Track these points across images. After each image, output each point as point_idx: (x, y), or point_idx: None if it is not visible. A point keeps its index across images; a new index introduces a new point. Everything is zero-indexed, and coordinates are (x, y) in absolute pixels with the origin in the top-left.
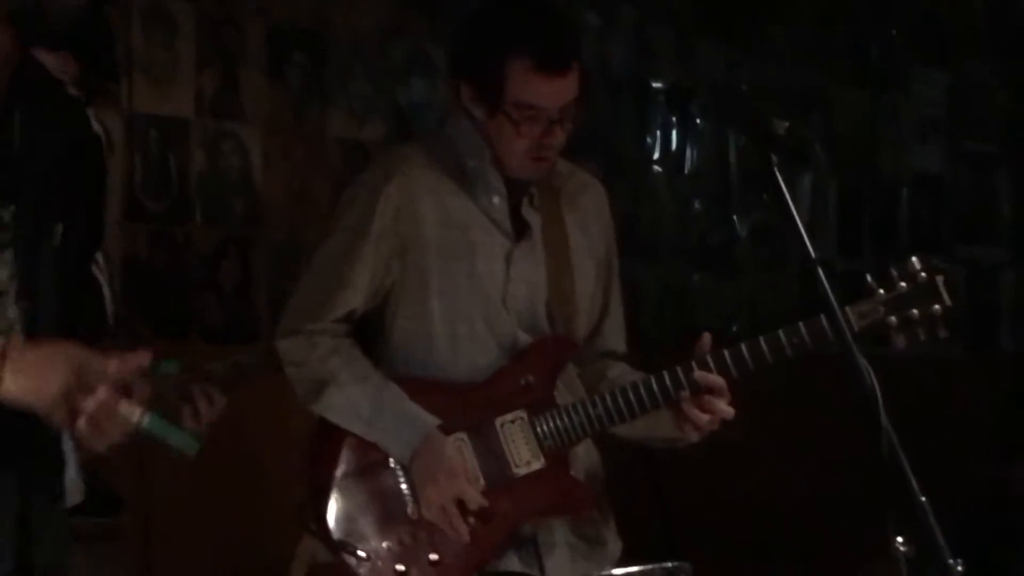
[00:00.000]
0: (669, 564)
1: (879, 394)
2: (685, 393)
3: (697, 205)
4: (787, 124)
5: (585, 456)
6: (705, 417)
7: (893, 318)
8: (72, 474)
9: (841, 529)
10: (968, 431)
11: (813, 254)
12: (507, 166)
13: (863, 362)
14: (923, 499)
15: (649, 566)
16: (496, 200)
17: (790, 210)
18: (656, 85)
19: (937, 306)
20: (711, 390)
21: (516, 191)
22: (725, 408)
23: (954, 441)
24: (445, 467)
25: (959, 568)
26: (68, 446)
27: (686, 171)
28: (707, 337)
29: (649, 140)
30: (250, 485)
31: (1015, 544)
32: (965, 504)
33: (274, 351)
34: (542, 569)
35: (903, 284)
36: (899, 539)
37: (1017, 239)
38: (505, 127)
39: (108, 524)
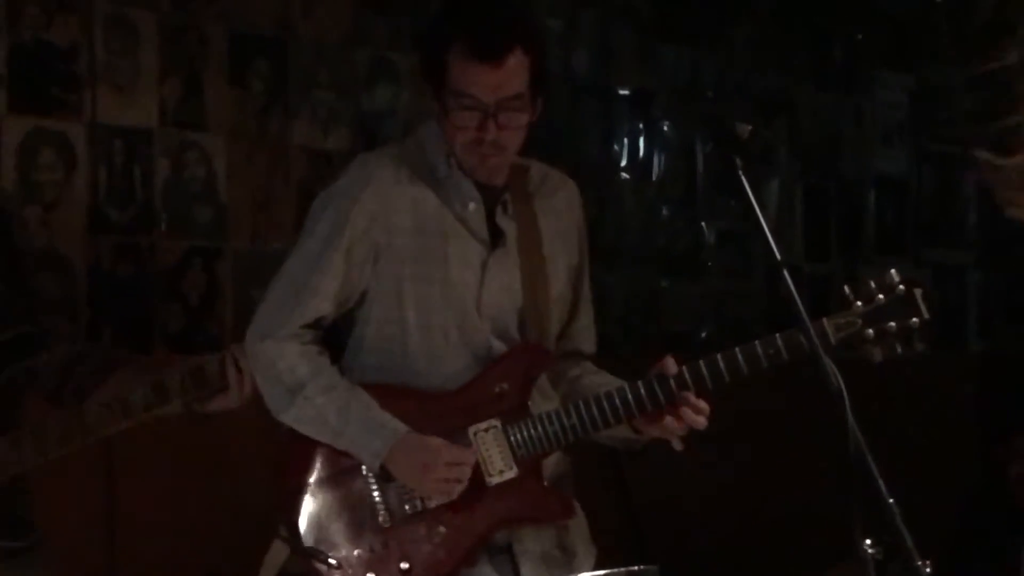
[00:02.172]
0: (636, 568)
1: (846, 396)
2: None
3: (664, 211)
4: (750, 128)
5: (556, 463)
6: (679, 427)
7: (870, 331)
8: None
9: (810, 531)
10: (937, 430)
11: (779, 257)
12: (461, 163)
13: (830, 365)
14: (891, 500)
15: (616, 570)
16: (472, 206)
17: (756, 213)
18: (622, 92)
19: (915, 319)
20: (688, 403)
21: (490, 198)
22: (699, 420)
23: (923, 441)
24: (424, 453)
25: (927, 570)
26: None
27: (653, 177)
28: (671, 361)
29: (615, 146)
30: (217, 491)
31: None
32: (935, 503)
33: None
34: (517, 574)
35: (881, 296)
36: (867, 541)
37: (982, 240)
38: (447, 120)
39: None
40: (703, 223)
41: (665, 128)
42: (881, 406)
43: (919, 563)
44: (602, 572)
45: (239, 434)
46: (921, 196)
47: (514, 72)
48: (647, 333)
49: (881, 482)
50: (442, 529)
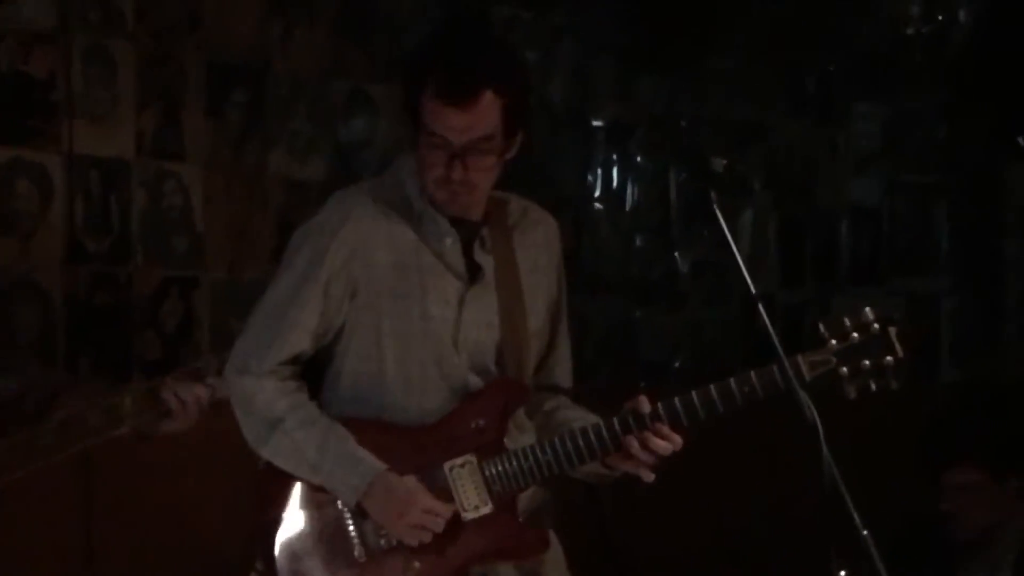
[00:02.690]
0: None
1: (820, 429)
2: (632, 438)
3: (639, 240)
4: (724, 162)
5: (532, 496)
6: (651, 458)
7: (845, 369)
8: None
9: (789, 561)
10: (910, 462)
11: (754, 291)
12: (432, 198)
13: (804, 397)
14: (865, 532)
15: None
16: (448, 242)
17: (730, 245)
18: (596, 123)
19: (889, 357)
20: (660, 434)
21: (466, 233)
22: (667, 446)
23: (896, 472)
24: (401, 495)
25: None
26: None
27: (627, 207)
28: (643, 400)
29: (590, 177)
30: (192, 524)
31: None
32: (906, 530)
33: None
34: None
35: (855, 335)
36: (842, 573)
37: (955, 270)
38: (420, 153)
39: None
40: (677, 253)
41: (639, 159)
42: (852, 436)
43: None
44: None
45: (205, 468)
46: (895, 225)
47: (484, 114)
48: (623, 362)
49: (856, 513)
50: (417, 564)
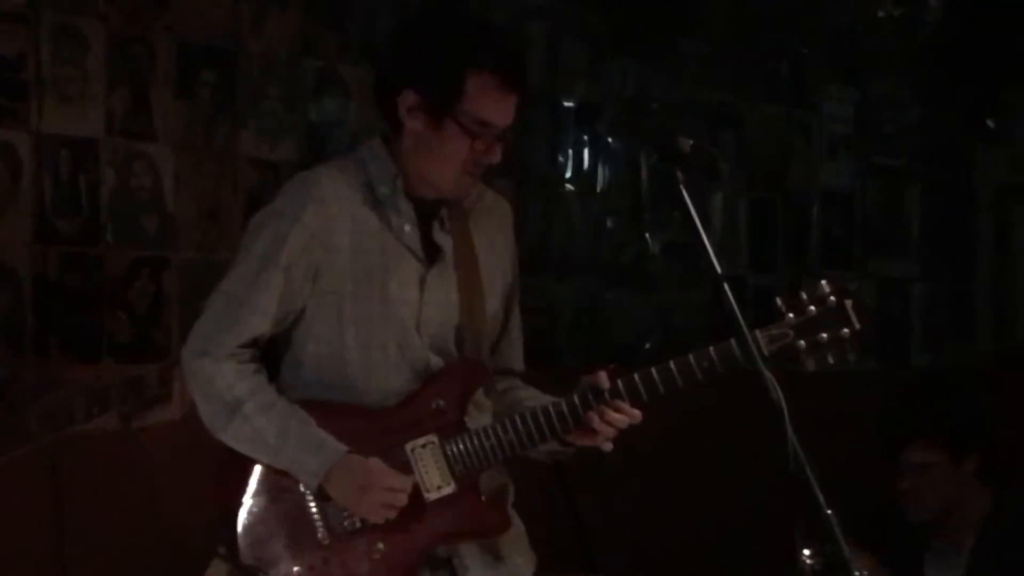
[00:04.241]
0: None
1: (785, 408)
2: (592, 413)
3: (609, 223)
4: (691, 142)
5: (493, 476)
6: (611, 431)
7: (802, 342)
8: None
9: (753, 540)
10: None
11: (719, 269)
12: (436, 182)
13: (769, 376)
14: (829, 512)
15: None
16: (407, 228)
17: (696, 226)
18: (567, 104)
19: (846, 330)
20: (620, 410)
21: (426, 215)
22: (624, 419)
23: (866, 456)
24: (362, 476)
25: None
26: None
27: (598, 189)
28: (603, 375)
29: (561, 158)
30: (159, 508)
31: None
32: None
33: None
34: None
35: (812, 308)
36: (806, 552)
37: (927, 254)
38: (453, 139)
39: None
40: (648, 235)
41: (610, 141)
42: (824, 421)
43: (856, 574)
44: None
45: (177, 451)
46: (867, 209)
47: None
48: (593, 344)
49: (820, 493)
50: (381, 546)
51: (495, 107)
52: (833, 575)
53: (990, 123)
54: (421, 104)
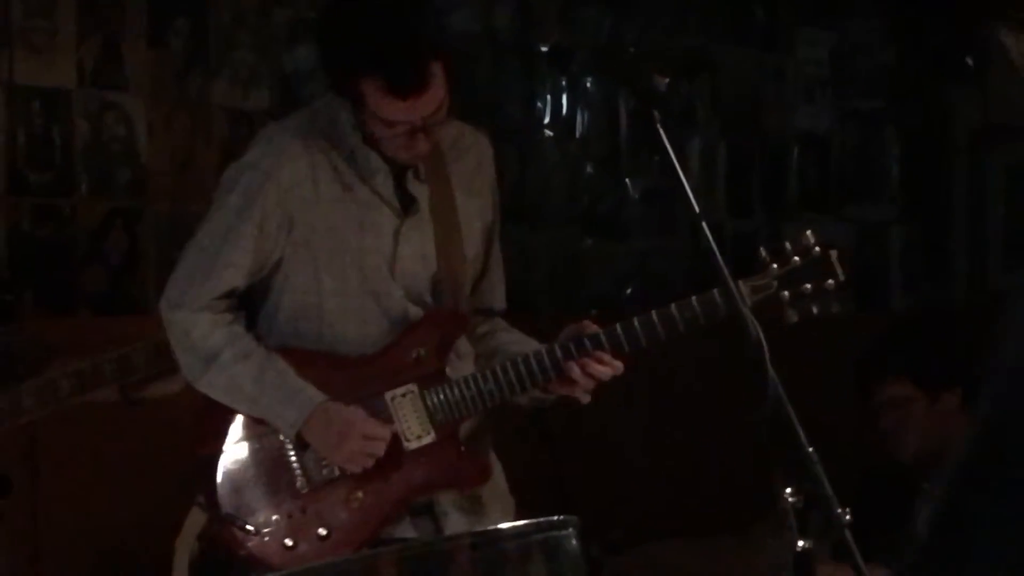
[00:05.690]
0: (555, 518)
1: (765, 346)
2: (573, 363)
3: (588, 169)
4: (667, 81)
5: (472, 425)
6: (591, 383)
7: (786, 292)
8: None
9: (736, 482)
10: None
11: (698, 210)
12: (387, 151)
13: (748, 315)
14: (810, 449)
15: (536, 520)
16: (380, 178)
17: (675, 165)
18: (543, 48)
19: (830, 280)
20: (602, 361)
21: (400, 165)
22: (606, 371)
23: (846, 402)
24: (340, 424)
25: (847, 517)
26: None
27: (576, 135)
28: (588, 325)
29: (539, 104)
30: (138, 459)
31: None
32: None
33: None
34: (439, 533)
35: (796, 258)
36: (788, 491)
37: (905, 197)
38: (378, 126)
39: None
40: (627, 180)
41: (588, 86)
42: (803, 367)
43: (839, 511)
44: (521, 523)
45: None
46: (844, 153)
47: (435, 91)
48: (571, 292)
49: (801, 431)
50: (360, 495)
51: (393, 109)
52: (815, 513)
53: (969, 61)
54: (351, 104)
